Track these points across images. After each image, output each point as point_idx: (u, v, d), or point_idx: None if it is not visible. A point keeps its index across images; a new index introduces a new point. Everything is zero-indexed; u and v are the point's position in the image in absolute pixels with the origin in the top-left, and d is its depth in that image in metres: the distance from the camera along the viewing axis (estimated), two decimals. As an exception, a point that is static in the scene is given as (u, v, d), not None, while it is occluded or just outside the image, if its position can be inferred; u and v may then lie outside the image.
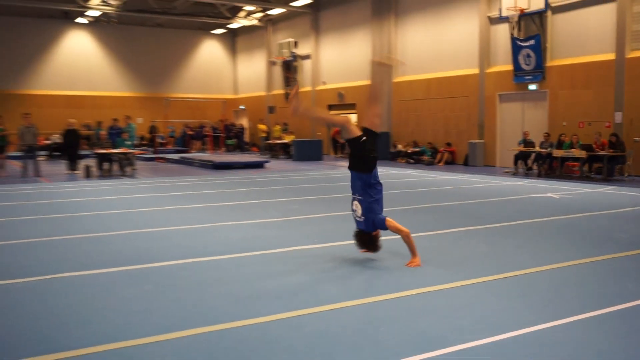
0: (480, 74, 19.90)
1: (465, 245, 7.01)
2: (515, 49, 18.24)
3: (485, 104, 19.87)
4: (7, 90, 29.86)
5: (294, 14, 29.44)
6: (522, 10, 17.71)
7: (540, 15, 17.71)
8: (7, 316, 4.46)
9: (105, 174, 16.97)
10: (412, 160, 21.40)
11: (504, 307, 4.58)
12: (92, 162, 17.86)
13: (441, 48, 21.58)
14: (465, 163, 20.20)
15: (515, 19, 18.11)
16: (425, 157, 21.07)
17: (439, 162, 20.65)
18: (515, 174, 16.71)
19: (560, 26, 17.65)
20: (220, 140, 28.87)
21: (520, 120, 19.01)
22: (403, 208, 10.02)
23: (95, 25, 31.16)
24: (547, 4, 17.33)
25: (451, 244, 7.06)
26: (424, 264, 5.95)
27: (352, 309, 4.57)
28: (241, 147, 30.93)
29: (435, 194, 12.21)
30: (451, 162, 20.70)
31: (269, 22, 31.48)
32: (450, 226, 8.23)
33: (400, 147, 22.73)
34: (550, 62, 17.81)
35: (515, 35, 18.29)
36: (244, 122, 34.27)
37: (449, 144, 20.91)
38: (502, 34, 19.17)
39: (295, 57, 29.33)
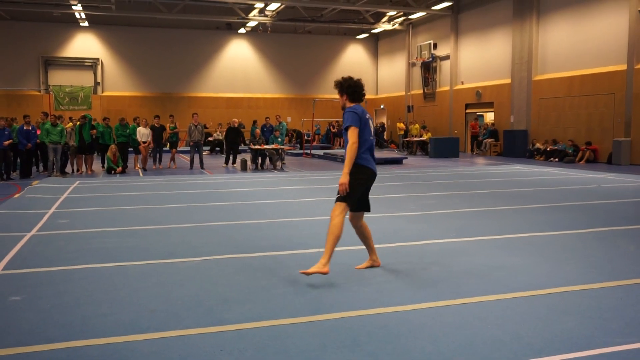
0: (628, 70, 18.17)
1: (610, 245, 6.41)
2: (669, 43, 16.43)
3: (633, 100, 18.12)
4: (178, 93, 32.36)
5: (434, 17, 28.88)
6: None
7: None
8: (175, 290, 4.78)
9: (259, 168, 17.80)
10: (555, 159, 20.06)
11: (657, 312, 4.13)
12: (247, 156, 18.82)
13: (585, 45, 20.00)
14: (609, 161, 18.59)
15: (670, 12, 16.32)
16: (567, 154, 19.67)
17: (580, 160, 19.19)
18: (665, 174, 15.08)
19: None
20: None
21: (672, 118, 17.11)
22: (540, 206, 9.43)
23: (252, 34, 32.72)
24: None
25: (595, 244, 6.49)
26: (566, 263, 5.55)
27: (491, 303, 4.37)
28: (380, 144, 30.91)
29: (576, 192, 11.34)
30: (593, 161, 19.15)
31: (410, 26, 31.15)
32: (593, 225, 7.59)
33: (538, 145, 21.45)
34: None
35: (669, 29, 16.48)
36: (383, 120, 34.26)
37: (588, 143, 19.35)
38: (654, 28, 17.35)
39: (434, 58, 28.79)
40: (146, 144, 17.32)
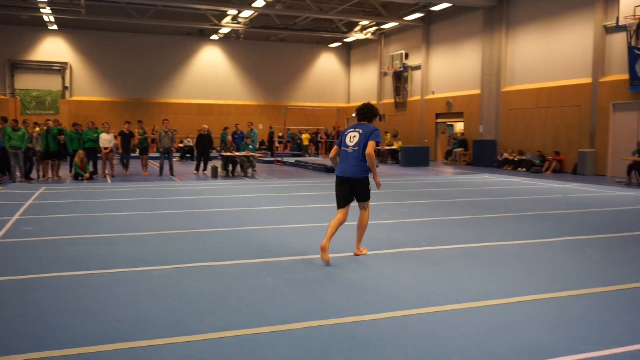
0: (593, 83, 18.65)
1: (577, 254, 6.55)
2: (632, 57, 16.91)
3: (597, 113, 18.60)
4: (149, 99, 32.01)
5: (405, 27, 29.23)
6: (640, 18, 16.43)
7: (659, 23, 16.33)
8: (144, 299, 4.71)
9: (230, 175, 17.70)
10: (522, 169, 20.42)
11: (622, 320, 4.21)
12: (218, 163, 18.69)
13: (552, 58, 20.47)
14: (574, 172, 19.03)
15: (634, 27, 16.83)
16: (534, 165, 20.06)
17: (547, 170, 19.61)
18: (628, 184, 15.47)
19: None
20: (333, 146, 29.17)
21: (635, 129, 17.58)
22: (508, 215, 9.58)
23: (225, 40, 32.63)
24: (667, 12, 15.95)
25: (562, 253, 6.63)
26: (533, 272, 5.65)
27: (460, 312, 4.41)
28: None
29: (543, 201, 11.56)
30: (559, 171, 19.59)
31: (382, 36, 31.47)
32: (560, 234, 7.74)
33: (506, 155, 21.83)
34: (669, 71, 16.35)
35: (633, 44, 16.99)
36: (355, 129, 34.46)
37: (557, 153, 19.80)
38: (618, 43, 17.87)
39: (406, 67, 29.12)
40: (107, 150, 16.89)
